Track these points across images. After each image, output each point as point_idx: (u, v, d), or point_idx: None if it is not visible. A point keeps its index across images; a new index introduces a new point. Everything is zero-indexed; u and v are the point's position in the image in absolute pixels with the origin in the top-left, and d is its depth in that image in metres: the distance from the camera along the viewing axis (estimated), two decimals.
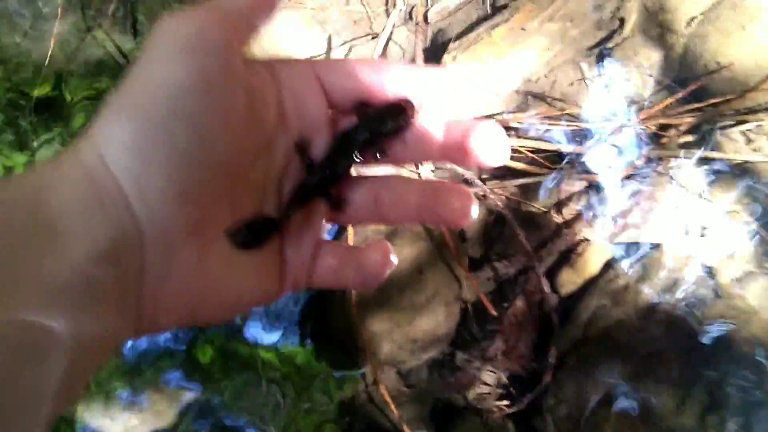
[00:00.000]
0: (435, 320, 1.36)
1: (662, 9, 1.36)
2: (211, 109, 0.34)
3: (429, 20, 1.46)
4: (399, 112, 0.39)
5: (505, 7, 1.40)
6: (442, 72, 0.40)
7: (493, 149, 0.38)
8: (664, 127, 1.36)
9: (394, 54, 1.49)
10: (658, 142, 1.35)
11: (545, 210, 1.41)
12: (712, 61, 1.33)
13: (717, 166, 1.30)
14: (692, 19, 1.35)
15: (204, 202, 0.35)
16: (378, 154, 0.40)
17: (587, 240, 1.35)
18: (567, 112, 1.39)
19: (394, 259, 0.40)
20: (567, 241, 1.36)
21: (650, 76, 1.37)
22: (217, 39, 0.35)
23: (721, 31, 1.31)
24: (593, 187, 1.39)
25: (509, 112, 1.42)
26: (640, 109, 1.37)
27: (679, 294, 1.24)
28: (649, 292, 1.26)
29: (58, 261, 0.30)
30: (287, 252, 0.39)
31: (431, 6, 1.45)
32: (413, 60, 1.44)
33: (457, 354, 1.37)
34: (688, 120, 1.32)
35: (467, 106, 0.40)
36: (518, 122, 1.39)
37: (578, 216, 1.37)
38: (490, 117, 1.39)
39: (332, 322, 1.39)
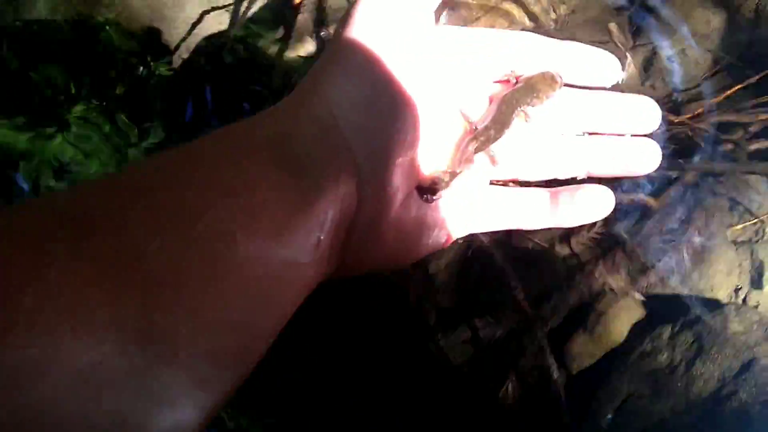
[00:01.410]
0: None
1: None
2: (422, 73, 0.38)
3: None
4: (548, 81, 0.44)
5: None
6: (583, 46, 0.44)
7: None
8: (725, 127, 0.93)
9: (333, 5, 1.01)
10: (718, 148, 0.92)
11: (545, 245, 0.97)
12: None
13: None
14: None
15: (410, 158, 0.38)
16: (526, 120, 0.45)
17: (611, 291, 0.92)
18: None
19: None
20: (581, 291, 0.93)
21: (708, 51, 0.93)
22: (424, 9, 0.40)
23: None
24: (618, 211, 0.95)
25: None
26: (691, 100, 0.94)
27: (754, 383, 0.82)
28: (707, 377, 0.83)
29: (307, 202, 0.33)
30: (457, 203, 0.43)
31: None
32: None
33: None
34: (763, 117, 0.90)
35: (606, 80, 0.44)
36: None
37: (596, 253, 0.94)
38: None
39: None
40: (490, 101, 0.45)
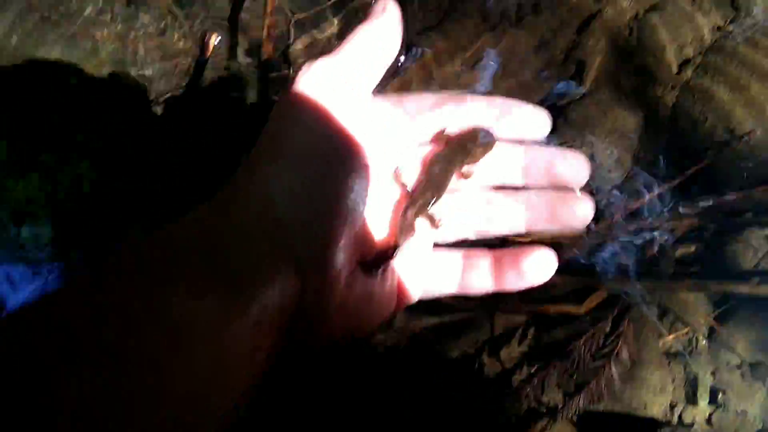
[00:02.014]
0: None
1: (640, 47, 0.88)
2: (353, 152, 0.37)
3: (291, 59, 0.94)
4: (481, 139, 0.43)
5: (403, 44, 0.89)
6: (514, 103, 0.44)
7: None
8: (648, 231, 0.88)
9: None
10: (640, 256, 0.87)
11: (473, 351, 0.91)
12: (722, 128, 0.85)
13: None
14: (686, 62, 0.88)
15: (351, 237, 0.37)
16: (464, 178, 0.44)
17: (543, 410, 0.86)
18: None
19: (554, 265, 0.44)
20: (510, 412, 0.86)
21: (626, 151, 0.88)
22: (363, 86, 0.39)
23: (732, 80, 0.84)
24: (542, 323, 0.90)
25: None
26: (609, 204, 0.89)
27: None
28: None
29: (240, 307, 0.31)
30: (401, 271, 0.42)
31: (294, 37, 0.93)
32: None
33: None
34: (687, 222, 0.85)
35: (537, 133, 0.44)
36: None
37: (526, 369, 0.88)
38: None
39: None
40: (424, 164, 0.44)
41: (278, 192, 0.35)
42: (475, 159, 0.44)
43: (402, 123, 0.43)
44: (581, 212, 0.43)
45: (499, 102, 0.44)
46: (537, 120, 0.43)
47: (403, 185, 0.43)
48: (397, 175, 0.43)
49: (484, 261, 0.43)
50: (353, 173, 0.37)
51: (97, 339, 0.27)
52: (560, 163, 0.43)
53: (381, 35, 0.39)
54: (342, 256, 0.37)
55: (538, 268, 0.42)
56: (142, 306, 0.29)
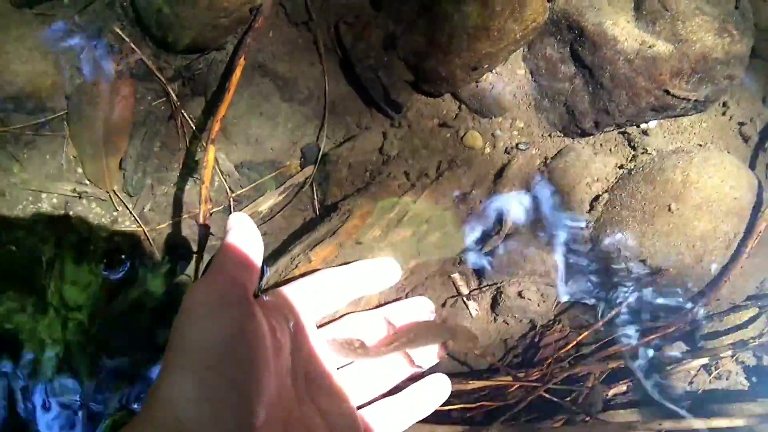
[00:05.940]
0: None
1: (552, 191, 0.95)
2: (251, 346, 0.42)
3: None
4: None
5: (335, 208, 0.97)
6: (373, 261, 0.66)
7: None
8: (571, 381, 0.91)
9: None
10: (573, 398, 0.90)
11: None
12: (637, 262, 0.91)
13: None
14: (596, 199, 0.94)
15: (263, 424, 0.41)
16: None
17: None
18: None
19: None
20: None
21: (552, 288, 0.94)
22: (241, 291, 0.45)
23: (639, 215, 0.90)
24: None
25: None
26: (540, 340, 0.93)
27: None
28: None
29: None
30: None
31: (235, 208, 1.01)
32: None
33: None
34: (614, 365, 0.88)
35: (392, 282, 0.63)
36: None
37: None
38: None
39: None
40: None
41: (182, 405, 0.39)
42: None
43: (295, 307, 0.52)
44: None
45: (365, 264, 0.63)
46: (391, 269, 0.61)
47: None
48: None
49: (400, 400, 0.55)
50: (251, 367, 0.42)
51: None
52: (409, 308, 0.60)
53: (245, 241, 0.48)
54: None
55: (436, 391, 0.55)
56: None
